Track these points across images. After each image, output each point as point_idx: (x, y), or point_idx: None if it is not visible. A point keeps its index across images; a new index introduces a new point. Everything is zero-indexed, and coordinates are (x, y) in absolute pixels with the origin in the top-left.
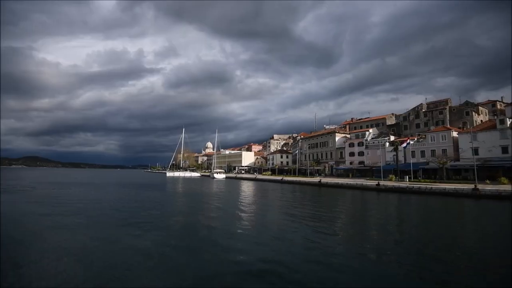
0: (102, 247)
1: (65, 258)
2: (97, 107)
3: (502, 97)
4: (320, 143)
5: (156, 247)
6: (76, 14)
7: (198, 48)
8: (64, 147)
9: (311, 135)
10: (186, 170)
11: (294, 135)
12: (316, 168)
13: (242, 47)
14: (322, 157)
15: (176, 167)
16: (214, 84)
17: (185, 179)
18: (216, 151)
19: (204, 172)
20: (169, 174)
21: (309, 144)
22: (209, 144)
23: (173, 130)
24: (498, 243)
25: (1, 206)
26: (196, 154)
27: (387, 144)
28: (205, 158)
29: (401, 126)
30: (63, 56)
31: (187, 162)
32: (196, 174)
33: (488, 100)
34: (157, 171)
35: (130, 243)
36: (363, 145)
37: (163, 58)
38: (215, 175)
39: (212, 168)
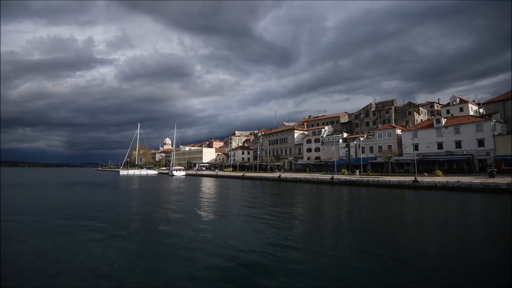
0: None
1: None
2: (38, 99)
3: (438, 99)
4: (280, 139)
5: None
6: None
7: (155, 40)
8: None
9: (272, 131)
10: (142, 167)
11: (255, 131)
12: (276, 163)
13: (202, 42)
14: (282, 153)
15: (131, 164)
16: (172, 78)
17: (141, 177)
18: (175, 148)
19: (162, 169)
20: (123, 172)
21: (269, 141)
22: (168, 140)
23: (126, 126)
24: (433, 227)
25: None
26: (153, 151)
27: (341, 140)
28: (163, 155)
29: (353, 124)
30: None
31: (143, 159)
32: (153, 172)
33: (427, 102)
34: (109, 169)
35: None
36: (319, 141)
37: (116, 49)
38: (175, 173)
39: (171, 165)
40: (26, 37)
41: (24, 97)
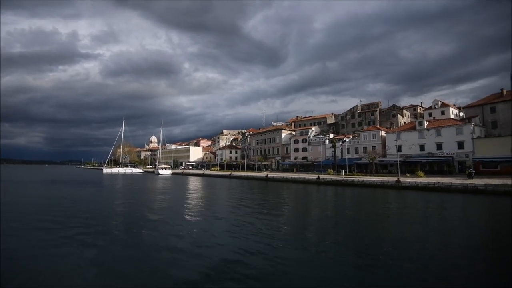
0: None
1: None
2: (18, 93)
3: (421, 103)
4: (267, 139)
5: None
6: None
7: (142, 36)
8: None
9: (260, 131)
10: (127, 166)
11: (243, 131)
12: (263, 163)
13: (191, 39)
14: (269, 152)
15: (116, 162)
16: (160, 75)
17: (125, 175)
18: (162, 146)
19: (148, 168)
20: (106, 170)
21: (257, 140)
22: (154, 138)
23: (110, 122)
24: (415, 227)
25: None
26: (138, 149)
27: (327, 141)
28: (149, 153)
29: (339, 125)
30: None
31: (128, 157)
32: (138, 170)
33: (411, 105)
34: (92, 167)
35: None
36: (306, 141)
37: (101, 44)
38: (160, 171)
39: (157, 163)
40: (6, 28)
41: (3, 91)
